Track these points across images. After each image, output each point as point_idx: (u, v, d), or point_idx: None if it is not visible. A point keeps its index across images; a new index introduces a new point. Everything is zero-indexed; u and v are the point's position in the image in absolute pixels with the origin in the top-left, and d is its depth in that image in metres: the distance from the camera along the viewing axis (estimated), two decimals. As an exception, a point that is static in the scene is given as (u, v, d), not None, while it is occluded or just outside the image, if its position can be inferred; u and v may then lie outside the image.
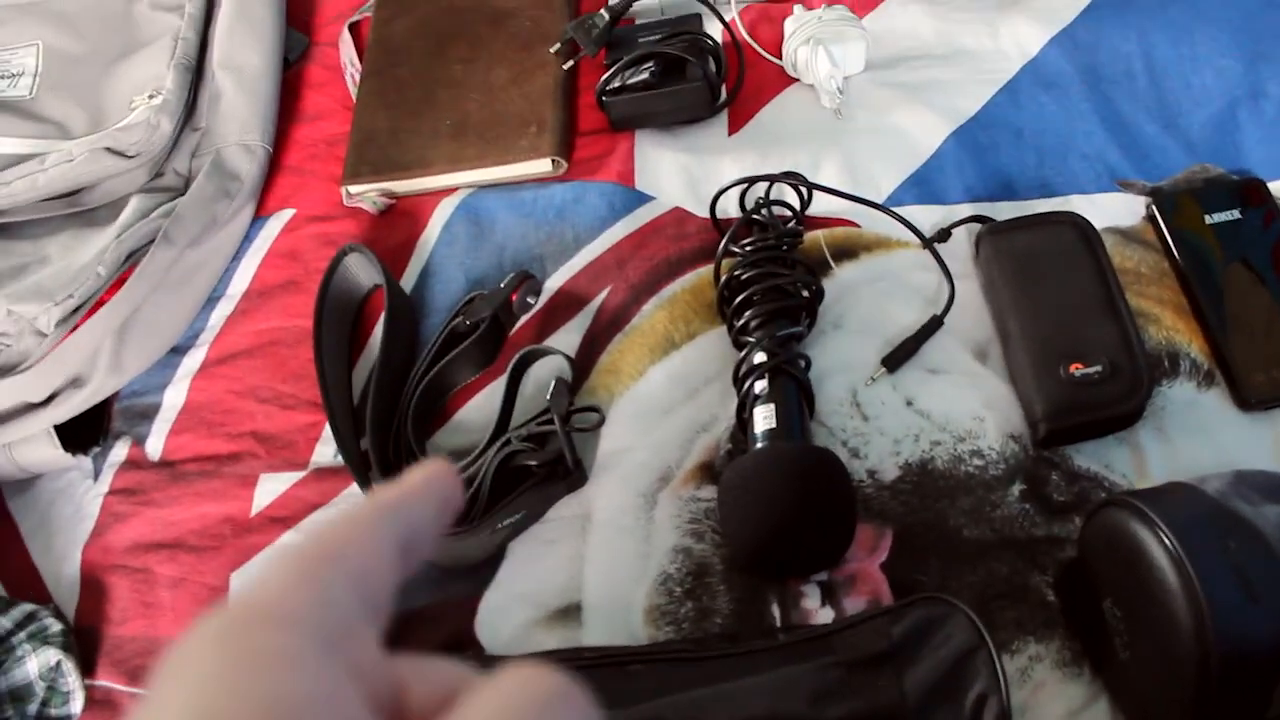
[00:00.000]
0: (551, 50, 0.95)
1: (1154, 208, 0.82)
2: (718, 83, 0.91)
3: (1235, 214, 0.81)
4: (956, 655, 0.63)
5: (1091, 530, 0.65)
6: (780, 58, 0.94)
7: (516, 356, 0.81)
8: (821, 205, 0.86)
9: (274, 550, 0.79)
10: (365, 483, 0.78)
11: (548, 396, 0.77)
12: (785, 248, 0.81)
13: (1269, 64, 0.89)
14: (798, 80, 0.94)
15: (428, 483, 0.30)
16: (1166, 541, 0.58)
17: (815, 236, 0.85)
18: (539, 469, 0.76)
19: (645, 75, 0.89)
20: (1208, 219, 0.81)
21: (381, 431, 0.80)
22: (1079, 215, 0.80)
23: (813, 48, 0.89)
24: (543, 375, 0.82)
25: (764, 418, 0.73)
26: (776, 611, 0.70)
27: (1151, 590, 0.58)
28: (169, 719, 0.21)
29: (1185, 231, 0.81)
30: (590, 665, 0.67)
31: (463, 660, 0.28)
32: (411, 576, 0.29)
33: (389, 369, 0.82)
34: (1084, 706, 0.65)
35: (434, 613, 0.74)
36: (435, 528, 0.30)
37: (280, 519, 0.80)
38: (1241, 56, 0.90)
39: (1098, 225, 0.81)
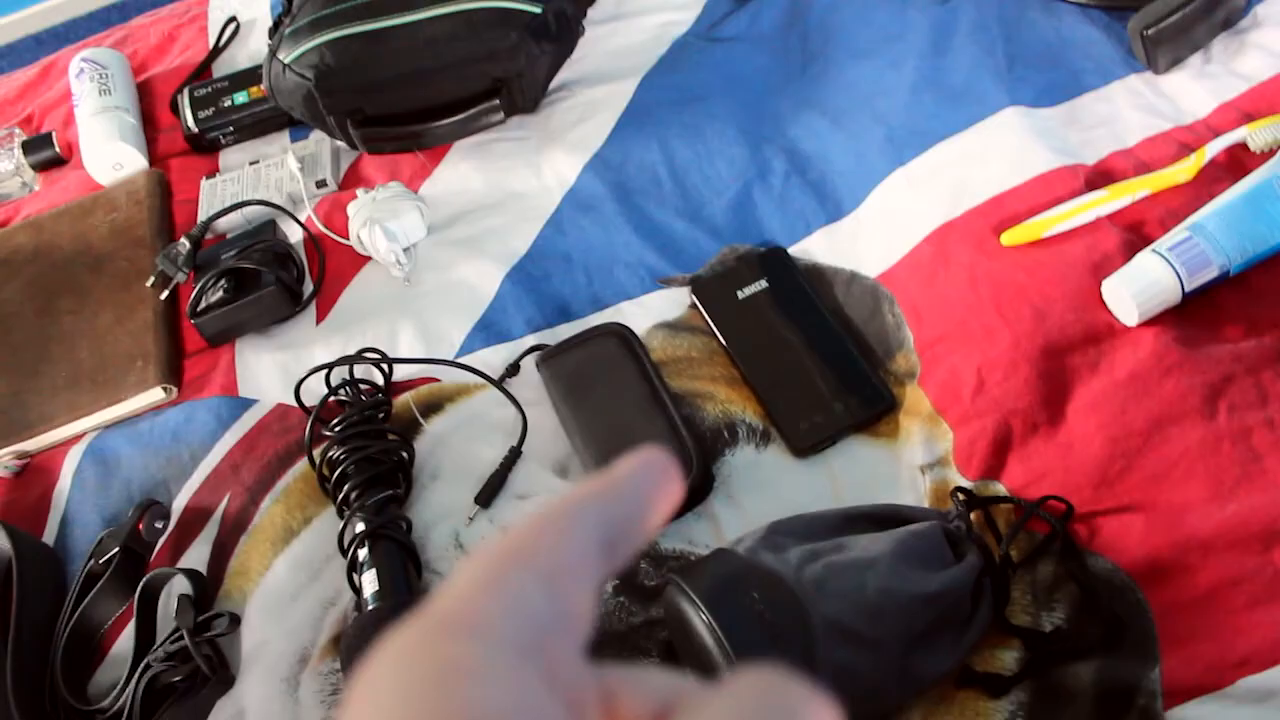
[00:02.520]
0: (147, 285, 0.97)
1: (694, 296, 0.87)
2: (294, 281, 0.94)
3: (763, 284, 0.87)
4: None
5: (664, 610, 0.68)
6: (349, 239, 0.98)
7: (140, 586, 0.81)
8: (406, 369, 0.89)
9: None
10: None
11: (174, 615, 0.78)
12: (373, 419, 0.83)
13: (769, 145, 0.97)
14: (371, 258, 0.97)
15: (637, 469, 0.27)
16: (699, 608, 0.62)
17: (405, 399, 0.88)
18: (183, 683, 0.76)
19: (221, 292, 0.91)
20: (740, 294, 0.87)
21: (31, 691, 0.79)
22: (618, 324, 0.85)
23: (370, 228, 0.93)
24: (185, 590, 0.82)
25: (369, 582, 0.76)
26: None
27: (699, 652, 0.63)
28: None
29: (723, 311, 0.86)
30: None
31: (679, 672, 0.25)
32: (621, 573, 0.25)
33: (27, 629, 0.81)
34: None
35: None
36: (647, 519, 0.27)
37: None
38: (747, 143, 0.97)
39: (647, 323, 0.86)
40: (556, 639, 0.23)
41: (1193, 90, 0.90)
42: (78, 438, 0.94)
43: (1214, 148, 0.83)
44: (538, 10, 0.97)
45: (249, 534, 0.85)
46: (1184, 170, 0.83)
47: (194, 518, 0.87)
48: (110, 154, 1.08)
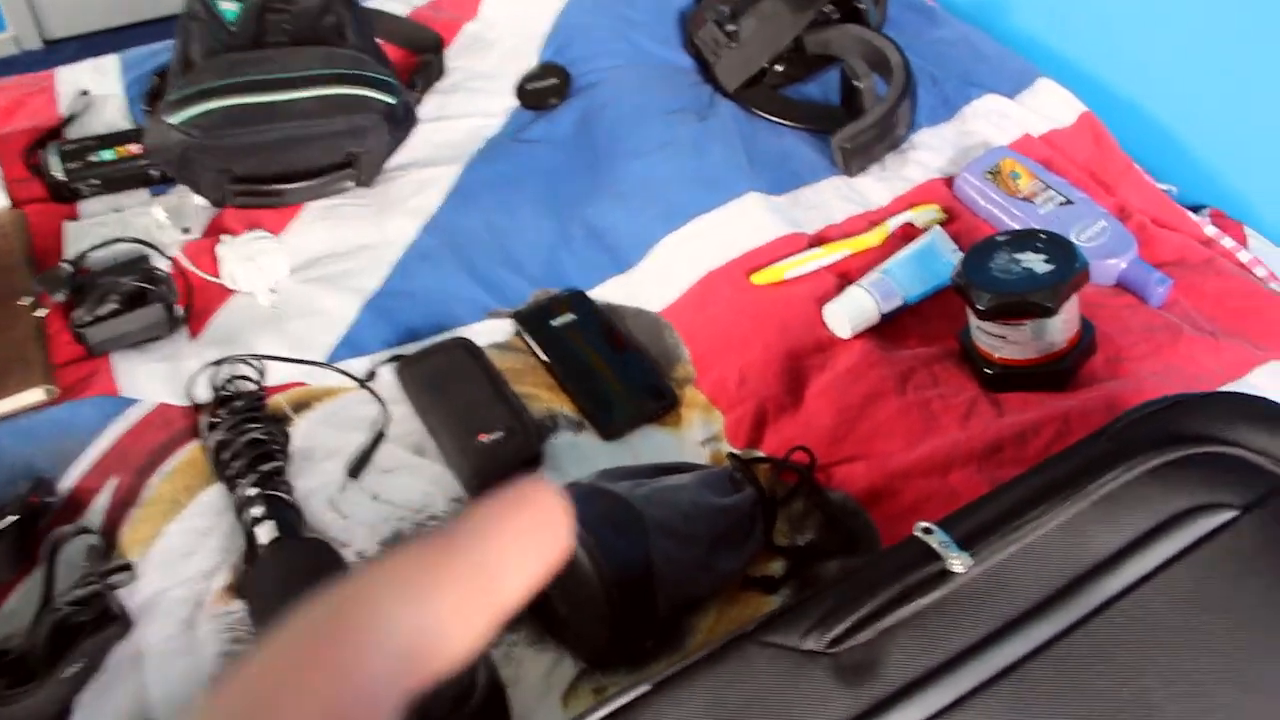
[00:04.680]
0: (21, 303, 1.07)
1: (518, 325, 1.09)
2: (173, 303, 1.07)
3: (571, 317, 1.10)
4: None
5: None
6: (219, 277, 1.12)
7: (49, 539, 0.90)
8: (277, 376, 1.04)
9: None
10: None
11: (83, 562, 0.87)
12: (255, 410, 0.98)
13: (570, 220, 1.22)
14: (238, 291, 1.12)
15: None
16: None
17: (277, 400, 1.03)
18: (89, 623, 0.85)
19: (113, 305, 1.03)
20: (553, 324, 1.09)
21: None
22: (464, 338, 1.05)
23: (244, 263, 1.08)
24: (73, 557, 0.91)
25: (267, 533, 0.89)
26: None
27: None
28: None
29: (541, 336, 1.08)
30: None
31: None
32: None
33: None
34: (554, 665, 0.85)
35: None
36: None
37: None
38: (552, 216, 1.22)
39: (482, 344, 1.06)
40: None
41: (875, 187, 1.24)
42: (-48, 434, 1.01)
43: (893, 224, 1.16)
44: (393, 101, 1.18)
45: (140, 507, 0.95)
46: (874, 237, 1.15)
47: (84, 497, 0.96)
48: (-25, 196, 1.17)
